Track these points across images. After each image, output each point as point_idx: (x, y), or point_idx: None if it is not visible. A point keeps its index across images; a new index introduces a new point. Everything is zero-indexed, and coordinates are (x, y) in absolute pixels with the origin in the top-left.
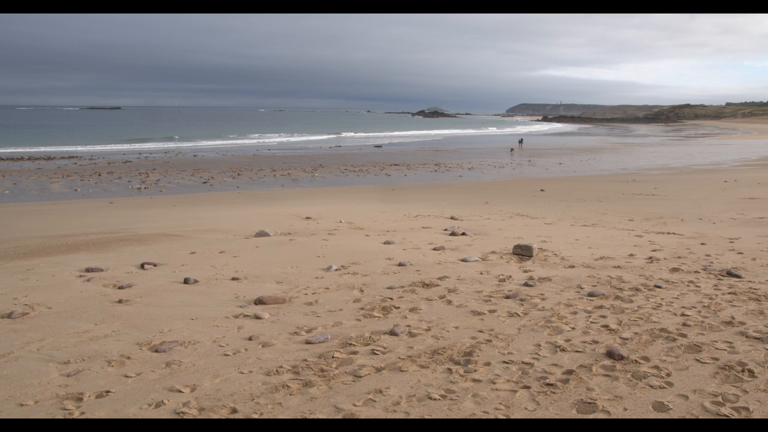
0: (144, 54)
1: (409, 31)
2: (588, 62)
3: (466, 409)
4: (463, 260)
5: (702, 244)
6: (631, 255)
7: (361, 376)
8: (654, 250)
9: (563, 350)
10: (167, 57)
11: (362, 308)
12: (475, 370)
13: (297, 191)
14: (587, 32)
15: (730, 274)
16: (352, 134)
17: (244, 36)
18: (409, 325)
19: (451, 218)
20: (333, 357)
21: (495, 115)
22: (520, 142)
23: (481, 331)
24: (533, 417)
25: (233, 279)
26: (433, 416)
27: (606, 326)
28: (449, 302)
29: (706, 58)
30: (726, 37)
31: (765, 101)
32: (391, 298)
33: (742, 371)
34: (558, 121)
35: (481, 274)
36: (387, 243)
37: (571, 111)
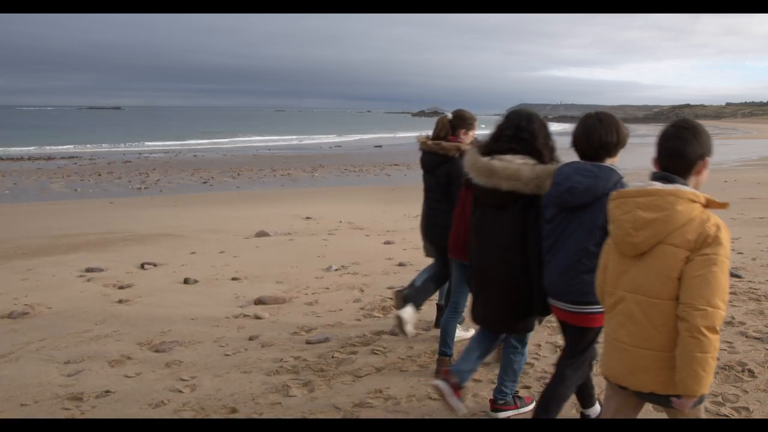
0: (144, 54)
1: (409, 31)
2: (590, 62)
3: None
4: None
5: None
6: None
7: (361, 376)
8: None
9: None
10: (167, 57)
11: (362, 308)
12: None
13: (297, 191)
14: (591, 33)
15: (730, 274)
16: (353, 134)
17: (244, 36)
18: None
19: None
20: (333, 357)
21: (495, 115)
22: None
23: None
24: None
25: (233, 279)
26: (433, 416)
27: None
28: None
29: (707, 59)
30: (728, 38)
31: (765, 101)
32: (391, 298)
33: (742, 371)
34: (558, 121)
35: None
36: (387, 243)
37: (572, 111)
